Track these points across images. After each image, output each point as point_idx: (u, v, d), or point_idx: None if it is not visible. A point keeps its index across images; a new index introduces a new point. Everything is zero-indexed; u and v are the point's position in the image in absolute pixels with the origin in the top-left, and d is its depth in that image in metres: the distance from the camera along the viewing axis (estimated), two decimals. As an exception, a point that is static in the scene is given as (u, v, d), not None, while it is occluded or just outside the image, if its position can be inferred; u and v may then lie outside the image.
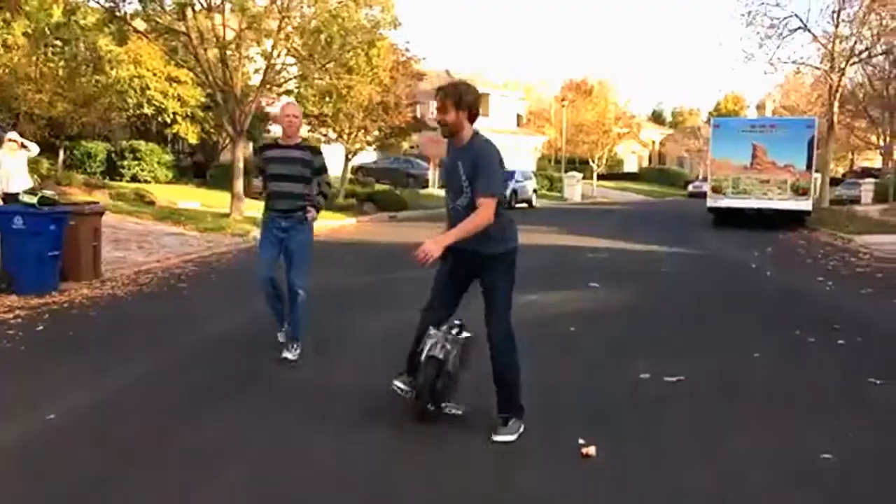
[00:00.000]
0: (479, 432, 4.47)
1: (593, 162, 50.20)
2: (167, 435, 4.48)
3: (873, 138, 38.26)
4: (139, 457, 4.14)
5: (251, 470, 3.99)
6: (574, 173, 44.58)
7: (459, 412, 4.71)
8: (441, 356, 4.45)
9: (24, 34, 21.71)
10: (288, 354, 6.09)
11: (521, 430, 4.47)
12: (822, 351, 6.65)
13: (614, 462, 4.09)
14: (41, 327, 7.25)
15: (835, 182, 40.50)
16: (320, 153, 6.46)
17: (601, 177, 52.16)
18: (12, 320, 7.44)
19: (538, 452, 4.27)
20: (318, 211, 6.34)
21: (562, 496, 3.74)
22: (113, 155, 25.45)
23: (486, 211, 4.27)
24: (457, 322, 4.65)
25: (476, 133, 4.48)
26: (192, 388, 5.43)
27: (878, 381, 5.60)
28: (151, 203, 20.37)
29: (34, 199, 9.11)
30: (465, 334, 4.61)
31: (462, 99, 4.42)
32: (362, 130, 26.85)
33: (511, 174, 28.00)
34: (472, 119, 4.45)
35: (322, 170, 6.34)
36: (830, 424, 4.72)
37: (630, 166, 68.23)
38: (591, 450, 4.18)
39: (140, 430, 4.55)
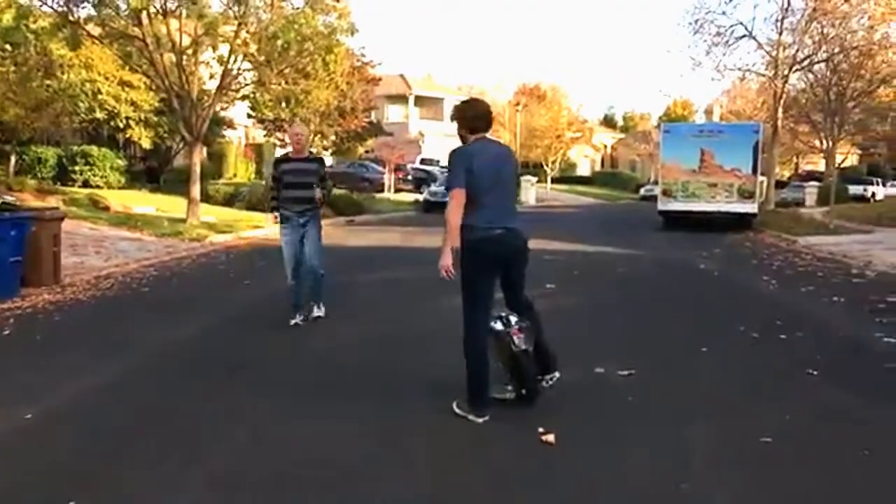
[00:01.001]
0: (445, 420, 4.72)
1: (547, 166, 50.88)
2: (144, 431, 4.65)
3: (816, 142, 39.51)
4: (118, 451, 4.31)
5: (230, 458, 4.19)
6: (528, 177, 45.09)
7: (556, 378, 5.31)
8: (528, 347, 4.96)
9: (-27, 38, 21.41)
10: (318, 313, 7.95)
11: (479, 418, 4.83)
12: (764, 346, 7.04)
13: (571, 448, 4.37)
14: (7, 332, 7.32)
15: (780, 185, 41.59)
16: (324, 163, 8.26)
17: (555, 180, 52.88)
18: (-24, 325, 7.49)
19: (500, 440, 4.53)
20: (323, 200, 7.79)
21: (523, 479, 4.00)
22: (64, 160, 25.16)
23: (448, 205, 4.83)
24: (503, 314, 5.04)
25: (473, 140, 5.05)
26: (164, 386, 5.60)
27: (815, 372, 5.98)
28: (106, 208, 20.24)
29: (-6, 206, 9.13)
30: (513, 318, 5.04)
31: (462, 116, 5.11)
32: (319, 135, 26.98)
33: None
34: (471, 131, 5.05)
35: (325, 176, 7.94)
36: (771, 411, 5.07)
37: (583, 170, 69.13)
38: (551, 437, 4.46)
39: (118, 426, 4.71)
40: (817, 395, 5.51)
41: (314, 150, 23.94)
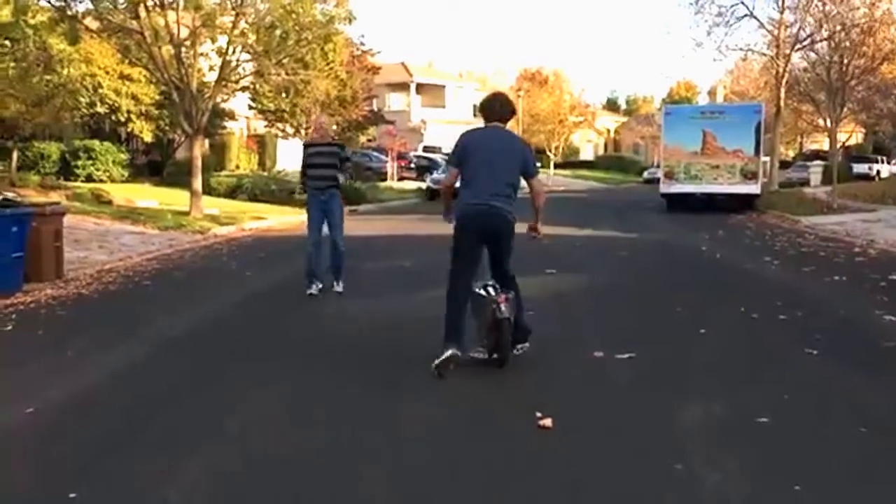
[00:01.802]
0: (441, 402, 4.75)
1: (550, 151, 50.75)
2: (146, 422, 4.69)
3: (820, 122, 39.32)
4: (121, 443, 4.35)
5: (222, 448, 4.22)
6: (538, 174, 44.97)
7: (526, 347, 5.84)
8: (508, 315, 5.43)
9: (-29, 35, 21.41)
10: (338, 289, 8.81)
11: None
12: (764, 325, 7.05)
13: (568, 433, 4.39)
14: (10, 327, 7.37)
15: (784, 165, 41.53)
16: (345, 148, 9.61)
17: (558, 165, 52.75)
18: (-20, 321, 7.54)
19: (497, 425, 4.56)
20: (345, 179, 9.26)
21: (519, 463, 4.02)
22: (67, 155, 25.19)
23: None
24: (489, 283, 5.68)
25: (482, 128, 5.85)
26: (165, 377, 5.64)
27: (815, 352, 5.99)
28: (109, 203, 20.28)
29: (-5, 202, 9.16)
30: (504, 289, 5.62)
31: (479, 108, 5.97)
32: (320, 125, 26.94)
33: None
34: (485, 119, 5.84)
35: (347, 158, 9.35)
36: (768, 391, 5.08)
37: (586, 154, 68.99)
38: (548, 422, 4.47)
39: (120, 418, 4.75)
40: (816, 375, 5.53)
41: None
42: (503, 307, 5.43)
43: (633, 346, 6.13)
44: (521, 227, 5.86)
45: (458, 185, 5.76)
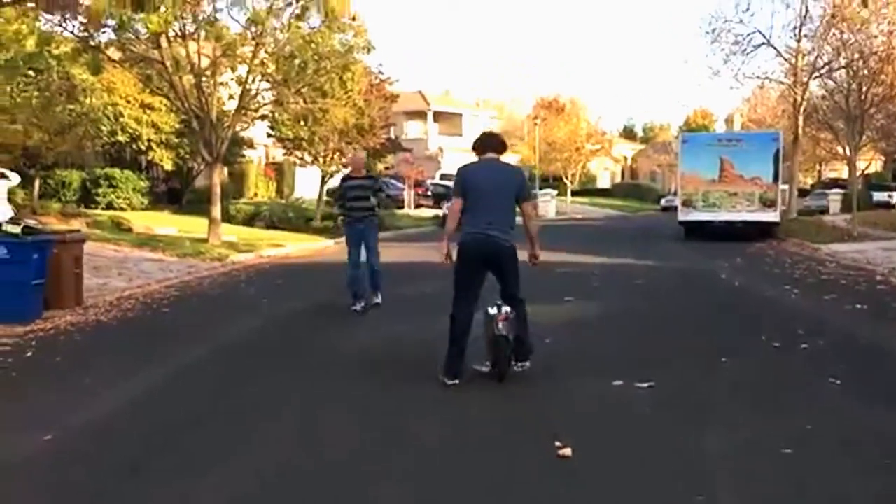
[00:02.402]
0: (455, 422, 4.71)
1: (567, 179, 50.79)
2: (162, 450, 4.68)
3: (839, 149, 39.13)
4: (136, 470, 4.34)
5: (240, 473, 4.20)
6: (548, 190, 45.06)
7: (526, 366, 6.14)
8: (505, 332, 5.81)
9: (-5, 65, 21.77)
10: (377, 300, 9.86)
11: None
12: (786, 354, 6.96)
13: (588, 462, 4.34)
14: (30, 354, 7.40)
15: (803, 193, 41.30)
16: (378, 179, 10.91)
17: (575, 193, 52.76)
18: (0, 347, 7.58)
19: (516, 453, 4.51)
20: (379, 208, 10.24)
21: (538, 492, 3.97)
22: (88, 183, 25.48)
23: None
24: (498, 303, 5.98)
25: (477, 161, 6.26)
26: (182, 405, 5.63)
27: (837, 382, 5.90)
28: (128, 230, 20.46)
29: (17, 229, 9.25)
30: (506, 309, 5.92)
31: (472, 146, 6.38)
32: (338, 153, 27.09)
33: None
34: (478, 154, 6.28)
35: (379, 189, 10.36)
36: (791, 422, 5.00)
37: (603, 182, 68.96)
38: (567, 451, 4.42)
39: (137, 445, 4.74)
40: (839, 405, 5.44)
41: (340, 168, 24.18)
42: (501, 325, 5.83)
43: (653, 375, 6.06)
44: (523, 255, 6.09)
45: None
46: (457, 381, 5.89)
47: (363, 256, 9.78)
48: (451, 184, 34.56)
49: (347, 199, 9.85)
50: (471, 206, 5.97)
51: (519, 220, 6.14)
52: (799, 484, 4.02)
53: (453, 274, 6.07)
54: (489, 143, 6.27)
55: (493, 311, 5.94)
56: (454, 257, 6.06)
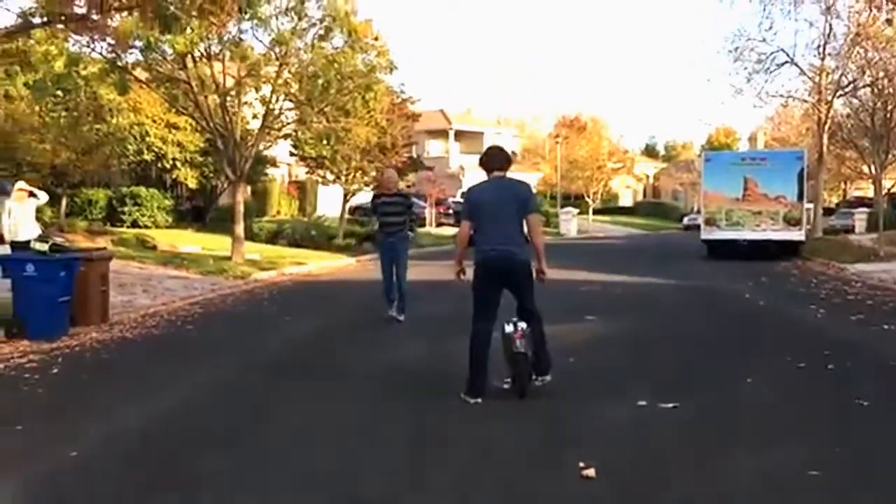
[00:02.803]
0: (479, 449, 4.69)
1: (588, 197, 50.70)
2: (186, 466, 4.70)
3: (864, 168, 38.79)
4: (161, 486, 4.36)
5: (267, 488, 4.21)
6: (570, 209, 45.01)
7: (546, 380, 6.20)
8: (524, 350, 5.94)
9: (26, 85, 22.15)
10: (400, 318, 10.11)
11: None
12: (812, 375, 6.88)
13: (613, 483, 4.30)
14: (56, 370, 7.47)
15: (828, 212, 40.93)
16: (409, 198, 11.07)
17: (596, 211, 52.64)
18: (27, 364, 7.67)
19: (540, 473, 4.49)
20: (412, 232, 10.74)
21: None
22: (114, 201, 25.81)
23: None
24: (514, 320, 6.06)
25: (486, 179, 6.37)
26: (210, 424, 5.65)
27: (865, 403, 5.82)
28: (153, 248, 20.68)
29: (45, 247, 9.38)
30: (522, 325, 6.02)
31: (479, 161, 6.56)
32: (360, 171, 27.25)
33: None
34: (486, 171, 6.38)
35: (412, 207, 10.80)
36: (818, 443, 4.94)
37: (625, 200, 68.77)
38: (591, 471, 4.39)
39: (161, 462, 4.77)
40: (867, 426, 5.36)
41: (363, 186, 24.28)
42: (518, 342, 5.95)
43: (678, 396, 6.02)
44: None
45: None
46: (479, 400, 5.93)
47: (397, 271, 10.34)
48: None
49: (379, 214, 10.43)
50: (481, 225, 6.14)
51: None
52: (827, 507, 3.97)
53: (472, 292, 6.19)
54: (495, 160, 6.36)
55: (509, 328, 6.02)
56: (469, 275, 6.29)
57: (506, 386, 6.18)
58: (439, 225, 37.46)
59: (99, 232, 22.01)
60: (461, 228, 6.41)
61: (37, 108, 21.60)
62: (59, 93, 21.62)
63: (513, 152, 60.55)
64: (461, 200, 35.53)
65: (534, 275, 6.21)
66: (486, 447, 4.99)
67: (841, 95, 28.80)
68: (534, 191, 6.89)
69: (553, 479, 4.42)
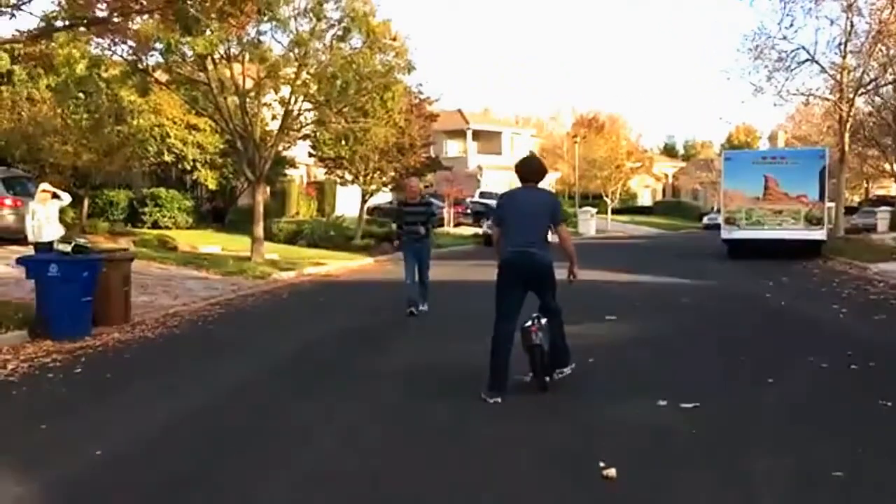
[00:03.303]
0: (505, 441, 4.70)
1: (607, 196, 50.53)
2: (214, 465, 4.74)
3: (887, 166, 38.39)
4: (185, 485, 4.40)
5: (287, 489, 4.23)
6: (588, 208, 44.88)
7: (565, 373, 6.48)
8: (540, 343, 6.12)
9: (48, 87, 22.40)
10: (423, 308, 11.03)
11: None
12: (834, 376, 6.83)
13: (633, 483, 4.30)
14: (79, 370, 7.55)
15: (850, 211, 40.53)
16: (431, 205, 12.24)
17: (615, 211, 52.43)
18: (51, 364, 7.76)
19: (560, 473, 4.49)
20: (428, 232, 11.40)
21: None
22: (135, 202, 26.03)
23: None
24: (533, 315, 6.29)
25: (518, 187, 6.72)
26: (232, 423, 5.70)
27: (889, 403, 5.77)
28: (174, 248, 20.82)
29: (68, 248, 9.48)
30: (541, 320, 6.26)
31: (515, 168, 6.81)
32: (378, 172, 27.29)
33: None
34: (521, 179, 6.66)
35: (432, 214, 11.72)
36: (842, 444, 4.90)
37: (644, 200, 68.50)
38: (612, 472, 4.38)
39: (185, 461, 4.82)
40: (891, 427, 5.31)
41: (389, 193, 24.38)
42: (534, 336, 6.15)
43: (698, 396, 5.99)
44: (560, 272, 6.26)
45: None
46: (499, 399, 6.00)
47: (417, 272, 11.13)
48: (490, 202, 34.71)
49: (405, 222, 11.27)
50: (509, 228, 6.45)
51: (554, 238, 6.46)
52: (851, 508, 3.94)
53: (496, 289, 6.35)
54: (529, 171, 6.67)
55: (527, 323, 6.22)
56: (497, 275, 6.42)
57: (527, 380, 6.32)
58: (457, 225, 37.46)
59: (120, 233, 22.19)
60: (494, 234, 6.91)
61: (59, 111, 21.84)
62: (80, 95, 21.83)
63: (531, 152, 60.61)
64: (479, 200, 35.59)
65: (556, 276, 6.38)
66: (505, 447, 4.99)
67: (863, 93, 28.53)
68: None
69: (574, 479, 4.41)
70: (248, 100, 19.23)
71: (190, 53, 17.37)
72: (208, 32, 15.66)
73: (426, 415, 5.80)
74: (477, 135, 56.31)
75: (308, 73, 19.48)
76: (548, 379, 6.31)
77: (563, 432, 5.32)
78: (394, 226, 11.84)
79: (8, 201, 17.40)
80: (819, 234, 21.18)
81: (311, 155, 29.12)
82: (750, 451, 4.80)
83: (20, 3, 11.42)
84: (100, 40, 17.56)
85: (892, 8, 25.23)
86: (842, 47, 27.75)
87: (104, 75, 19.12)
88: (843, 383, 6.58)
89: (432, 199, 37.44)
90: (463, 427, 5.46)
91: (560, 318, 6.44)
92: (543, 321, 6.25)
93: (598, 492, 4.21)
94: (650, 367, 7.40)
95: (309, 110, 20.83)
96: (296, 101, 19.83)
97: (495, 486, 4.35)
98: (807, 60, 28.34)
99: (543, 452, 4.90)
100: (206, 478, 4.55)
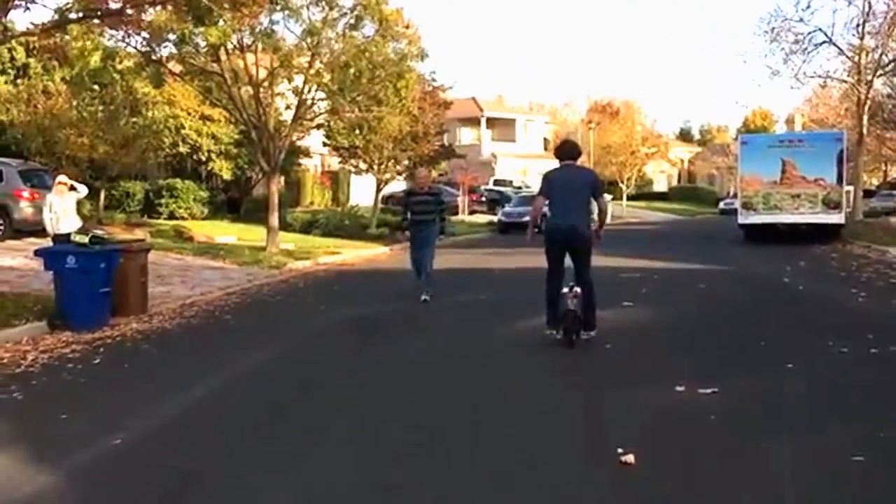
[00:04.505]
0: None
1: (622, 183, 50.27)
2: (233, 454, 4.76)
3: (905, 149, 38.00)
4: (204, 475, 4.43)
5: (307, 477, 4.25)
6: (604, 195, 44.63)
7: (591, 335, 7.46)
8: (575, 308, 7.21)
9: (63, 80, 22.52)
10: (425, 297, 10.95)
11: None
12: (854, 360, 6.77)
13: (651, 468, 4.27)
14: (98, 360, 7.60)
15: (868, 194, 40.14)
16: (440, 194, 12.20)
17: (631, 197, 52.20)
18: (70, 354, 7.81)
19: (579, 458, 4.48)
20: (443, 228, 11.74)
21: (601, 498, 3.93)
22: (150, 193, 26.15)
23: None
24: (571, 283, 7.41)
25: (558, 166, 7.90)
26: (250, 412, 5.72)
27: (910, 387, 5.72)
28: (190, 239, 20.91)
29: (86, 239, 9.53)
30: (577, 289, 7.33)
31: (554, 151, 8.15)
32: (392, 160, 27.26)
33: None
34: (559, 159, 7.93)
35: (442, 203, 11.66)
36: (862, 429, 4.85)
37: (660, 186, 68.06)
38: (630, 457, 4.36)
39: (204, 450, 4.84)
40: (913, 412, 5.26)
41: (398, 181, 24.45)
42: (570, 302, 7.23)
43: (717, 381, 5.95)
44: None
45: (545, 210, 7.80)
46: (554, 333, 7.44)
47: (424, 259, 11.27)
48: (504, 190, 34.90)
49: (413, 211, 11.40)
50: (554, 202, 7.57)
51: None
52: (870, 492, 3.90)
53: (545, 255, 7.63)
54: (566, 151, 7.90)
55: (565, 290, 7.36)
56: (544, 241, 7.63)
57: (558, 337, 7.33)
58: (472, 213, 37.41)
59: (137, 224, 22.31)
60: (535, 202, 8.04)
61: (74, 103, 21.96)
62: (95, 87, 21.93)
63: (545, 139, 60.35)
64: (494, 188, 35.61)
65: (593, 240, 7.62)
66: (524, 435, 4.98)
67: (881, 75, 28.20)
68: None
69: (592, 465, 4.40)
70: (261, 90, 19.23)
71: (203, 44, 17.37)
72: (221, 22, 15.65)
73: (438, 403, 5.80)
74: (491, 122, 56.13)
75: (321, 62, 19.46)
76: (574, 337, 7.24)
77: (581, 419, 5.31)
78: (405, 217, 11.80)
79: (25, 194, 17.55)
80: (837, 218, 20.99)
81: (325, 144, 29.12)
82: (769, 436, 4.77)
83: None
84: (113, 32, 17.56)
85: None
86: (859, 28, 27.39)
87: (118, 67, 19.16)
88: (864, 367, 6.52)
89: (445, 188, 37.67)
90: (478, 412, 5.45)
91: (592, 289, 7.45)
92: (577, 290, 7.28)
93: (618, 477, 4.19)
94: (667, 352, 7.37)
95: (322, 100, 20.82)
96: (309, 91, 19.82)
97: (512, 471, 4.33)
98: (824, 42, 28.03)
99: (562, 439, 4.88)
100: (221, 467, 4.57)
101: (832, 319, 9.00)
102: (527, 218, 7.78)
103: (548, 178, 7.78)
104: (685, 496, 3.94)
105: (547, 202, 7.70)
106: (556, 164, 7.98)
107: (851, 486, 3.99)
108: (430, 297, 10.98)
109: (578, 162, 8.08)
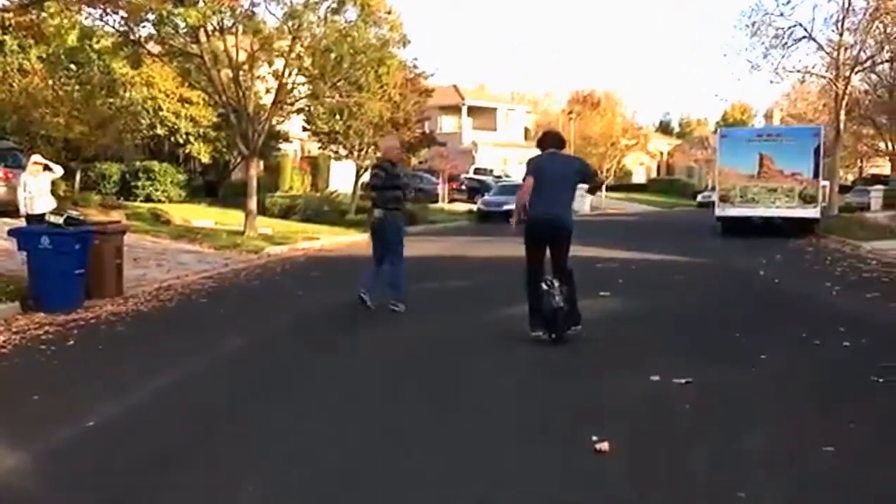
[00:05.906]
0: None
1: (602, 174, 50.42)
2: (205, 438, 4.74)
3: (881, 145, 38.40)
4: (174, 458, 4.41)
5: (278, 462, 4.24)
6: (582, 185, 44.73)
7: (578, 329, 7.22)
8: (562, 305, 6.93)
9: (39, 58, 22.19)
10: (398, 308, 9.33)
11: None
12: (827, 352, 6.84)
13: (625, 457, 4.30)
14: (71, 342, 7.53)
15: (844, 189, 40.56)
16: (405, 169, 10.27)
17: (610, 188, 52.36)
18: (43, 336, 7.74)
19: (554, 446, 4.50)
20: (406, 199, 10.13)
21: (574, 486, 3.96)
22: (127, 175, 25.86)
23: None
24: (549, 278, 7.07)
25: (540, 154, 7.55)
26: (224, 395, 5.70)
27: (881, 379, 5.79)
28: (167, 222, 20.73)
29: (60, 220, 9.42)
30: (557, 284, 7.00)
31: (537, 142, 7.78)
32: (372, 147, 27.15)
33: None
34: (541, 149, 7.57)
35: (406, 179, 10.29)
36: (833, 420, 4.92)
37: (639, 177, 68.39)
38: (605, 446, 4.39)
39: (176, 433, 4.82)
40: (882, 403, 5.35)
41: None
42: (556, 299, 6.90)
43: (691, 371, 6.00)
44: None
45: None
46: (540, 334, 7.06)
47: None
48: (484, 178, 34.82)
49: (380, 186, 9.83)
50: (538, 189, 7.14)
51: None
52: (841, 482, 3.96)
53: (525, 244, 7.28)
54: (549, 140, 7.56)
55: (546, 286, 6.97)
56: (524, 233, 7.29)
57: (543, 336, 7.02)
58: (452, 201, 37.38)
59: (113, 206, 22.04)
60: (525, 183, 7.39)
61: (50, 82, 21.65)
62: (72, 66, 21.66)
63: (526, 129, 60.39)
64: (474, 177, 35.58)
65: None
66: (498, 419, 5.00)
67: (859, 71, 28.49)
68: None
69: (566, 453, 4.42)
70: (241, 73, 19.07)
71: (182, 25, 17.19)
72: (201, 3, 15.50)
73: (416, 387, 5.82)
74: (472, 111, 56.06)
75: (302, 46, 19.30)
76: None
77: (556, 406, 5.32)
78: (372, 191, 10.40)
79: (-1, 173, 17.28)
80: (813, 213, 21.20)
81: (305, 129, 28.95)
82: (742, 426, 4.82)
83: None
84: (91, 10, 17.38)
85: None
86: (839, 24, 27.66)
87: (96, 46, 18.93)
88: (836, 359, 6.60)
89: (426, 175, 37.60)
90: (455, 398, 5.46)
91: (572, 278, 7.20)
92: (560, 286, 6.96)
93: (592, 465, 4.21)
94: (644, 342, 7.41)
95: (303, 84, 20.67)
96: (290, 75, 19.67)
97: (486, 458, 4.35)
98: (803, 37, 28.27)
99: (535, 424, 4.91)
100: (194, 451, 4.55)
101: (806, 312, 9.11)
102: (507, 207, 7.50)
103: (535, 162, 7.41)
104: (660, 485, 3.98)
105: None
106: (536, 153, 7.65)
107: (821, 475, 4.04)
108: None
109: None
